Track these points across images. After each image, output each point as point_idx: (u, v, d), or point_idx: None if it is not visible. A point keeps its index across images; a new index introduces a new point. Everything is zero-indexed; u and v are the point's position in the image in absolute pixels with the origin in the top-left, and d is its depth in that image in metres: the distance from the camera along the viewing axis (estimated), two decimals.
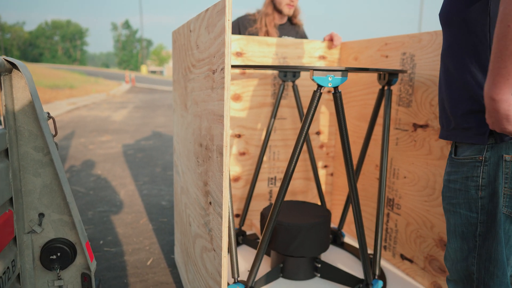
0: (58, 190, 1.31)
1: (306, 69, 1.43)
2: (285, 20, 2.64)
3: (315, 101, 1.47)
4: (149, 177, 4.26)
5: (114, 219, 3.04)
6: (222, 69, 1.19)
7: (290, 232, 1.83)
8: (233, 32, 2.60)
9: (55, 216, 1.34)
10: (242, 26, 2.59)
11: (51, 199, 1.32)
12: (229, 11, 1.14)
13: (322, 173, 2.66)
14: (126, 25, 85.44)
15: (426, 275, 1.92)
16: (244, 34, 2.57)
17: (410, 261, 2.01)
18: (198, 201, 1.59)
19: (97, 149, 5.65)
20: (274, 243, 1.89)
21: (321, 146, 2.61)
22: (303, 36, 2.72)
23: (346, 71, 1.43)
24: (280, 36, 2.61)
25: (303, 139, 1.50)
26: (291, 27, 2.67)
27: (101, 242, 2.62)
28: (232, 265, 1.75)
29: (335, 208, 2.67)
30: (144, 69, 48.56)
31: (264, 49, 2.32)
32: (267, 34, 2.53)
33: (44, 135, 1.23)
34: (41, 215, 1.33)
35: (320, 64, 2.47)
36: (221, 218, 1.27)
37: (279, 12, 2.56)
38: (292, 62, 2.39)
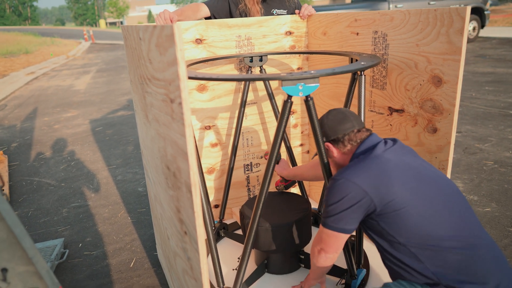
0: (18, 243, 1.21)
1: (274, 79, 1.31)
2: None
3: (286, 112, 1.37)
4: (121, 158, 4.11)
5: (91, 214, 2.95)
6: (180, 103, 1.06)
7: (272, 233, 1.80)
8: (221, 7, 2.37)
9: (20, 268, 1.25)
10: (232, 2, 2.36)
11: (12, 252, 1.22)
12: (179, 40, 0.99)
13: (298, 151, 2.60)
14: None
15: None
16: (234, 11, 2.37)
17: None
18: (173, 222, 1.52)
19: (63, 128, 5.39)
20: (256, 243, 1.87)
21: (295, 126, 2.52)
22: (294, 7, 2.48)
23: (317, 77, 1.31)
24: (268, 11, 2.40)
25: (277, 152, 1.41)
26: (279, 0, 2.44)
27: (80, 245, 2.55)
28: (216, 273, 1.72)
29: (314, 185, 2.66)
30: (102, 23, 45.69)
31: (226, 32, 2.13)
32: (249, 13, 2.32)
33: None
34: (4, 270, 1.23)
35: (287, 40, 2.31)
36: (199, 254, 1.20)
37: None
38: (257, 43, 2.23)
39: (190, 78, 1.39)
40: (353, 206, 1.28)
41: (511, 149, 3.69)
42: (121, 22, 72.19)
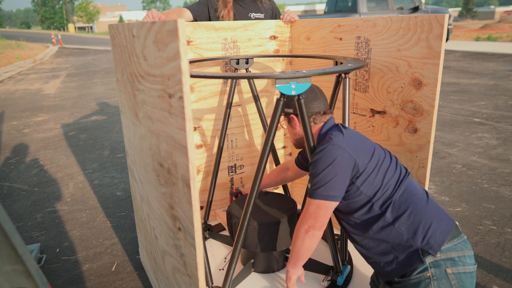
0: (6, 240, 1.17)
1: (269, 77, 1.34)
2: None
3: (279, 110, 1.41)
4: (97, 163, 4.03)
5: (68, 219, 2.87)
6: (181, 97, 1.07)
7: (259, 231, 1.83)
8: (202, 12, 2.40)
9: (7, 268, 1.20)
10: (211, 7, 2.39)
11: None
12: (183, 35, 1.01)
13: (280, 153, 2.65)
14: None
15: None
16: (213, 15, 2.40)
17: None
18: (164, 220, 1.51)
19: (33, 133, 5.22)
20: (244, 242, 1.88)
21: (278, 128, 2.57)
22: (271, 10, 2.53)
23: (309, 76, 1.36)
24: (245, 15, 2.43)
25: (269, 149, 1.45)
26: (253, 3, 2.48)
27: (57, 250, 2.48)
28: (205, 273, 1.72)
29: (297, 188, 2.70)
30: (71, 27, 44.60)
31: (212, 34, 2.16)
32: (222, 17, 2.35)
33: None
34: None
35: (272, 44, 2.36)
36: (195, 249, 1.21)
37: None
38: (242, 46, 2.27)
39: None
40: (342, 169, 1.37)
41: (477, 154, 3.89)
42: (91, 27, 70.71)
